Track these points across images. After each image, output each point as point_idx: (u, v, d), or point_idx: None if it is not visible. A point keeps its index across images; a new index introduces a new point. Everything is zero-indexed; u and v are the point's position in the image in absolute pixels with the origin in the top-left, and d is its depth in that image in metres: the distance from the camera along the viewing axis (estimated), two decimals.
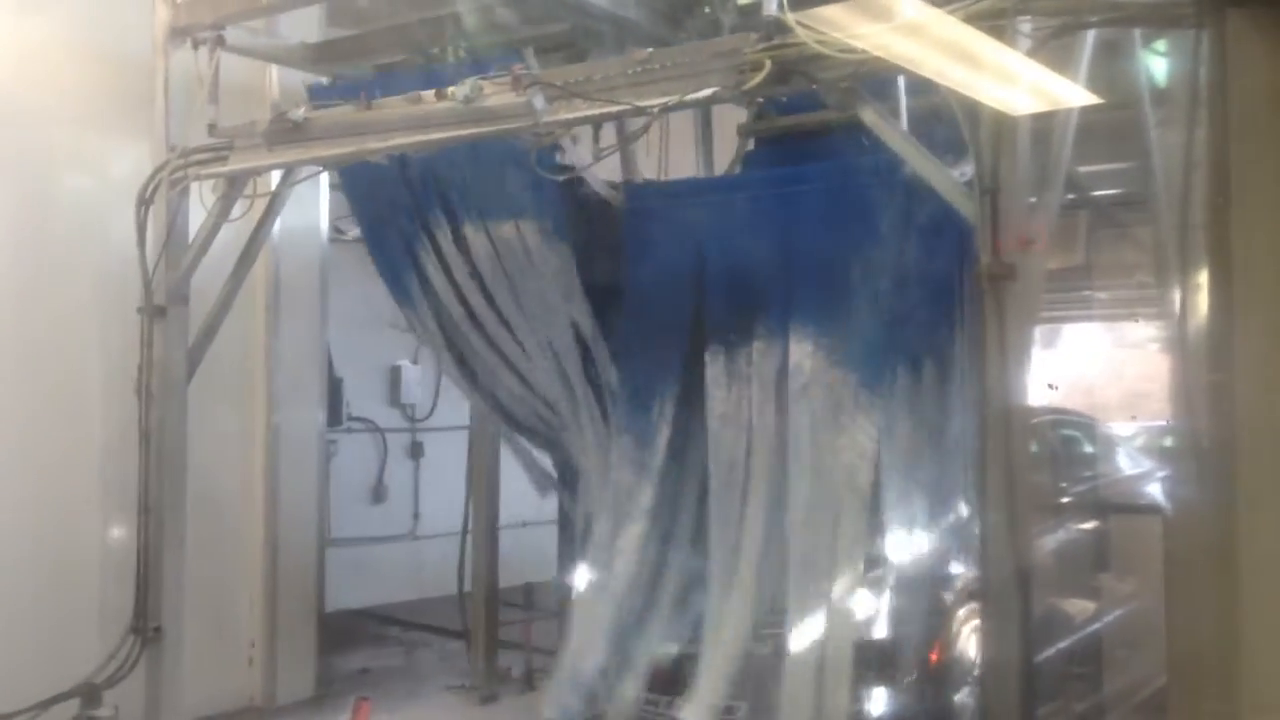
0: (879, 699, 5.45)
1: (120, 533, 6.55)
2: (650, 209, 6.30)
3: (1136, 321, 9.15)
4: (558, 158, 5.67)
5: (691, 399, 6.07)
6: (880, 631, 5.52)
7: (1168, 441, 7.98)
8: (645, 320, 6.26)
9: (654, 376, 6.24)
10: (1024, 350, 4.46)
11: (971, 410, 5.48)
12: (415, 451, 11.06)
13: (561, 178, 5.56)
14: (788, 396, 5.66)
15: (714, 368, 5.94)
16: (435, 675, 8.34)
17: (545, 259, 6.17)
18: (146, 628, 6.28)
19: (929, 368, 5.57)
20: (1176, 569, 4.23)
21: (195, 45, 6.33)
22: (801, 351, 5.62)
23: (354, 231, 6.93)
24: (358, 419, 10.60)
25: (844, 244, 5.52)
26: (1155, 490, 7.32)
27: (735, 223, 6.00)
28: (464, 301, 6.62)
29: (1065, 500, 6.83)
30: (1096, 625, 6.49)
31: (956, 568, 5.69)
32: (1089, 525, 6.90)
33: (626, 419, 6.25)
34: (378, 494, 10.91)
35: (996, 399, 4.41)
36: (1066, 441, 7.28)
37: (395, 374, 10.92)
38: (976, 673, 5.44)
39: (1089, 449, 7.59)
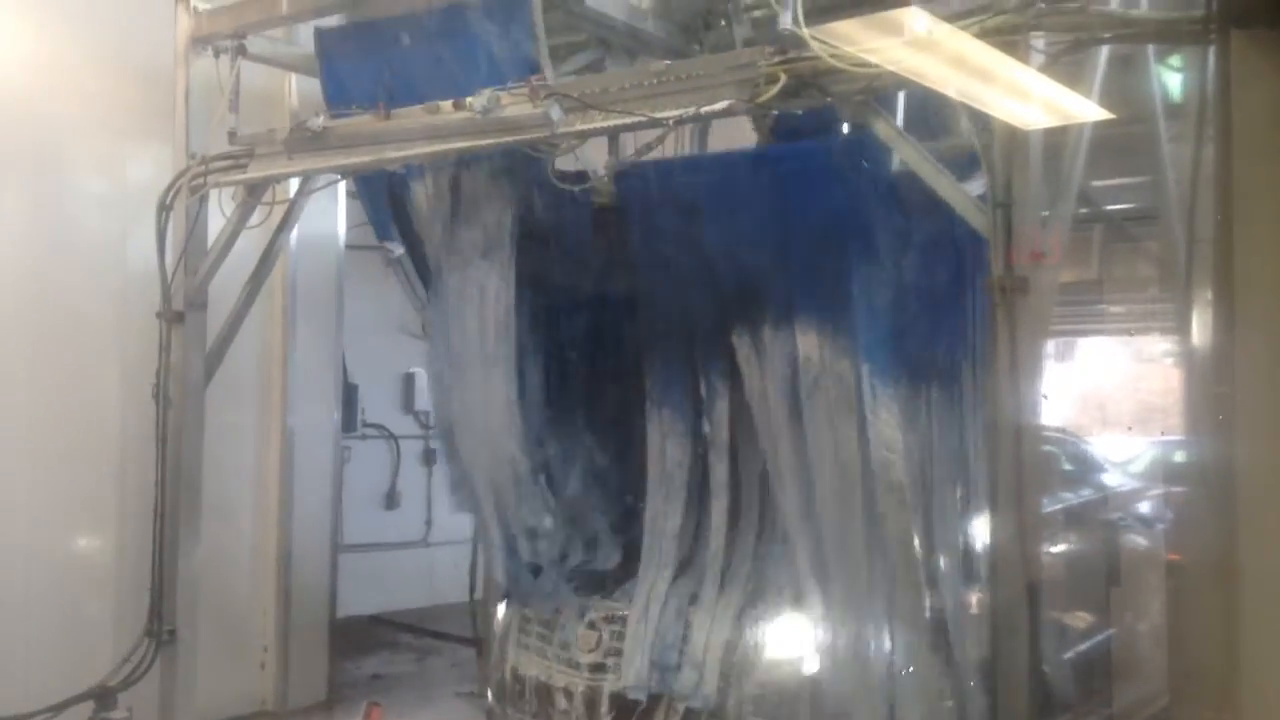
0: None
1: (136, 536, 6.59)
2: (647, 189, 5.88)
3: (1132, 336, 9.14)
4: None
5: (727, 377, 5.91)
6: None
7: (1154, 459, 8.01)
8: (660, 303, 6.02)
9: (683, 355, 6.07)
10: (1035, 364, 4.48)
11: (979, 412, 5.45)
12: (428, 458, 11.09)
13: (578, 189, 5.57)
14: (799, 390, 5.47)
15: (742, 348, 5.74)
16: (446, 681, 8.37)
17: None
18: (161, 631, 6.33)
19: (938, 366, 5.39)
20: (1179, 585, 4.24)
21: (216, 54, 6.41)
22: (809, 343, 5.45)
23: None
24: (372, 425, 10.65)
25: (839, 224, 5.33)
26: (1140, 509, 7.28)
27: (733, 201, 5.69)
28: None
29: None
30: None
31: None
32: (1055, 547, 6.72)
33: (662, 392, 6.11)
34: (391, 500, 10.96)
35: (1007, 412, 4.43)
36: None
37: (409, 381, 10.97)
38: None
39: (1066, 466, 7.42)
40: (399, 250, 6.65)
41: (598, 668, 5.67)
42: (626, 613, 5.70)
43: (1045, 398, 4.44)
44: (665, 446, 6.02)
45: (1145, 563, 6.85)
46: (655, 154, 5.30)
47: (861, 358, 5.27)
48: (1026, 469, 4.38)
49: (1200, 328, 3.63)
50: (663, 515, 5.97)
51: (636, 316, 6.13)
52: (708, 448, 5.97)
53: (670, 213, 5.65)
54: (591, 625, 5.78)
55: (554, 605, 5.95)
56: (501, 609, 6.35)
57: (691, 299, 5.88)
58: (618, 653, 5.62)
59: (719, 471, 5.90)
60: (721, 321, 5.80)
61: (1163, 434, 7.97)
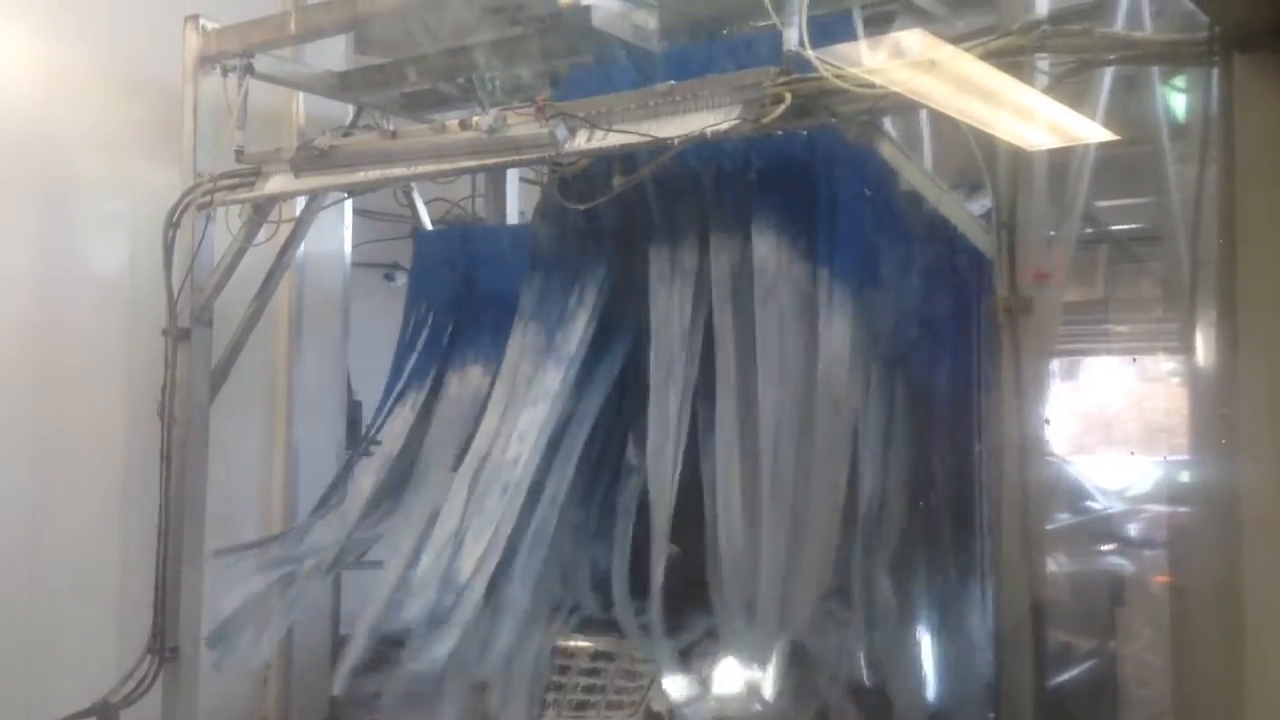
0: None
1: (139, 552, 6.59)
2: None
3: (1136, 357, 9.11)
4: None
5: (632, 296, 5.72)
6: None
7: (1150, 480, 7.98)
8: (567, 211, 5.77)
9: (578, 265, 5.90)
10: (1040, 383, 4.48)
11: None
12: None
13: (583, 207, 5.58)
14: (752, 297, 5.27)
15: (658, 263, 5.59)
16: None
17: None
18: (163, 647, 6.33)
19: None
20: (1182, 607, 4.23)
21: (224, 73, 6.44)
22: (765, 246, 5.27)
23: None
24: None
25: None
26: (1129, 531, 7.24)
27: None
28: None
29: None
30: None
31: None
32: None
33: (535, 307, 5.94)
34: None
35: (1012, 431, 4.43)
36: None
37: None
38: None
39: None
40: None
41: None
42: (568, 645, 5.34)
43: (1048, 421, 4.44)
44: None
45: (1127, 587, 6.83)
46: None
47: (820, 261, 5.13)
48: (1031, 488, 4.37)
49: (1204, 348, 3.64)
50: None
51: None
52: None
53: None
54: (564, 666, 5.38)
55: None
56: None
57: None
58: (559, 688, 5.26)
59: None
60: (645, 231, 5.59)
61: (1167, 455, 7.95)
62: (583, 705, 5.23)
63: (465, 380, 6.64)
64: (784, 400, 5.19)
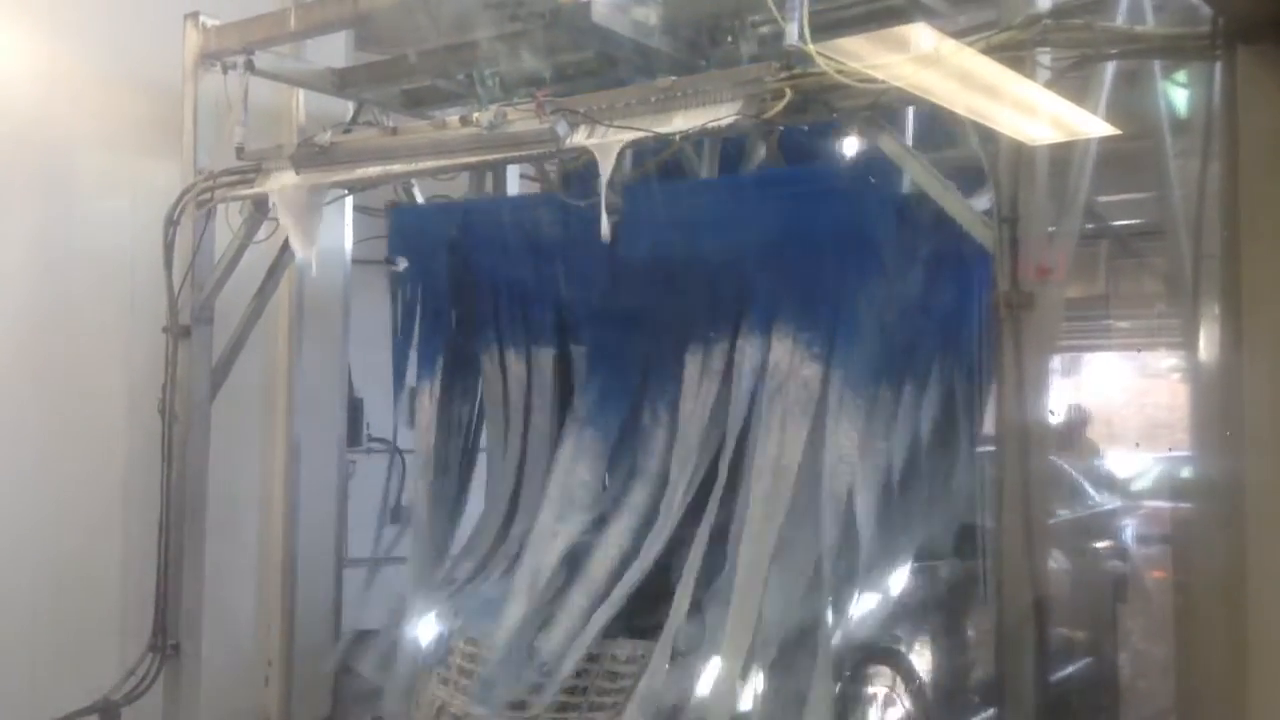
0: None
1: (141, 550, 6.59)
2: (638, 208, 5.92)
3: (1138, 352, 9.10)
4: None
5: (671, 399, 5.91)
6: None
7: (1146, 475, 7.97)
8: (622, 315, 6.05)
9: (627, 373, 6.06)
10: (1041, 379, 4.47)
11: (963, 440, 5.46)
12: None
13: (584, 203, 5.57)
14: (762, 395, 5.45)
15: (692, 366, 5.77)
16: None
17: None
18: (165, 645, 6.34)
19: (915, 387, 5.51)
20: (1186, 602, 4.22)
21: (225, 70, 6.44)
22: (781, 348, 5.43)
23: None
24: (377, 439, 10.62)
25: (831, 241, 5.37)
26: (1128, 527, 7.23)
27: (719, 217, 5.74)
28: None
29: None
30: None
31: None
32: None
33: (592, 413, 6.10)
34: (395, 514, 10.92)
35: (1013, 428, 4.42)
36: None
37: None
38: None
39: None
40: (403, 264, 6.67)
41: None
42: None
43: (1052, 413, 4.43)
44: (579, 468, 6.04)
45: (1129, 583, 6.81)
46: None
47: (833, 363, 5.28)
48: (1033, 484, 4.37)
49: (1207, 343, 3.62)
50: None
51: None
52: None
53: (669, 229, 5.65)
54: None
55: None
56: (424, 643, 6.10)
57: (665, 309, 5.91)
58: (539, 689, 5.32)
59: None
60: (684, 335, 5.79)
61: (1170, 450, 7.95)
62: (564, 708, 5.27)
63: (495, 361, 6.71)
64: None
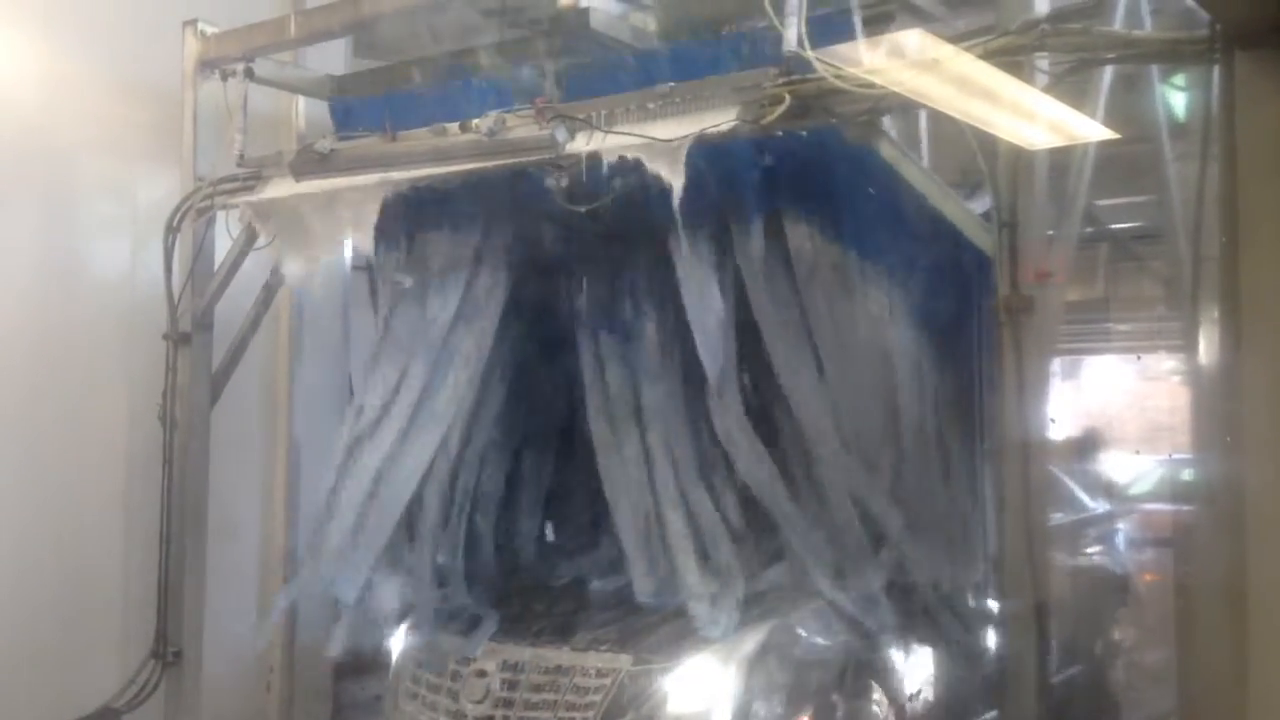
0: None
1: (142, 557, 6.59)
2: None
3: (1138, 356, 9.11)
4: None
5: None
6: None
7: (1142, 479, 7.98)
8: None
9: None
10: (1041, 382, 4.48)
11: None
12: None
13: (584, 208, 5.57)
14: (794, 280, 5.58)
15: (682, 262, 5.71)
16: None
17: None
18: (166, 652, 6.33)
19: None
20: (1186, 605, 4.22)
21: (224, 77, 6.44)
22: (799, 235, 5.54)
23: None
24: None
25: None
26: (1129, 530, 7.23)
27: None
28: None
29: None
30: None
31: None
32: None
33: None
34: None
35: (1014, 431, 4.42)
36: None
37: None
38: None
39: None
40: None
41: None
42: (518, 658, 5.40)
43: (1053, 420, 4.44)
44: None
45: (1130, 585, 6.81)
46: None
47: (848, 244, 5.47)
48: (1034, 487, 4.37)
49: (1206, 346, 3.63)
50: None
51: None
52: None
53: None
54: (481, 673, 5.42)
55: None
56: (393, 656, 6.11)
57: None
58: (508, 703, 5.29)
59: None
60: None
61: (1170, 453, 7.96)
62: None
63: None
64: (848, 367, 5.56)
